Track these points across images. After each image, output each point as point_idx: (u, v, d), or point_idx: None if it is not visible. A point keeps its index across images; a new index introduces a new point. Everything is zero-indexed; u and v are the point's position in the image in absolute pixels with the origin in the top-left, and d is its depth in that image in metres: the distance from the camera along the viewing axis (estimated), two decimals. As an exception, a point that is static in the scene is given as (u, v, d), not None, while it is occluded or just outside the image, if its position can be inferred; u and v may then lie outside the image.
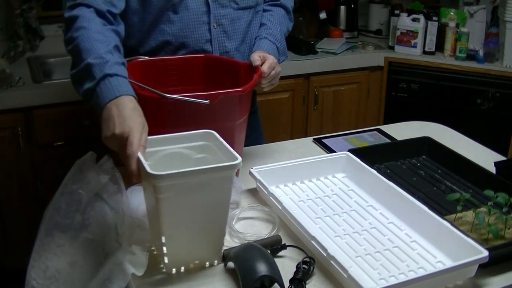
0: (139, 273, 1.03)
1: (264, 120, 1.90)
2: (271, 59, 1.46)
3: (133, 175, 1.04)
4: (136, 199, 1.19)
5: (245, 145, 1.61)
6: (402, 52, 2.93)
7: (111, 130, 1.08)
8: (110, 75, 1.15)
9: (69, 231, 1.14)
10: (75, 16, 1.29)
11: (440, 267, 1.11)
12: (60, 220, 1.14)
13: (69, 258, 1.11)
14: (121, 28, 1.38)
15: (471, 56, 2.85)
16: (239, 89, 1.31)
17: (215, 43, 1.55)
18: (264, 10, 1.68)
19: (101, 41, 1.22)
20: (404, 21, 2.90)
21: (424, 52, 2.92)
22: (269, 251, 1.13)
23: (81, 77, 1.19)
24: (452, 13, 2.92)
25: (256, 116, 1.82)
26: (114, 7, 1.38)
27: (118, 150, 1.08)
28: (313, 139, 1.76)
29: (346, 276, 1.04)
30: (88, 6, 1.33)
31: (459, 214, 1.26)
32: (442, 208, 1.35)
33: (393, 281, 1.05)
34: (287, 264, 1.14)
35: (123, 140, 1.06)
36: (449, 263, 1.13)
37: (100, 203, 1.15)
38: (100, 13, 1.33)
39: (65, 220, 1.14)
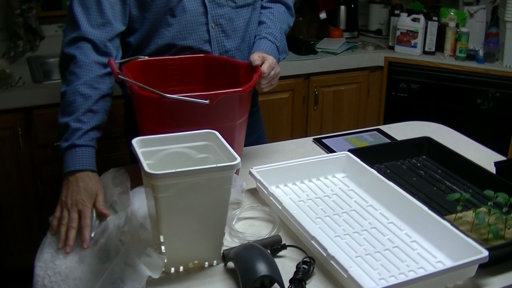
0: (156, 275, 1.04)
1: (264, 120, 1.90)
2: (270, 59, 1.46)
3: (86, 242, 1.15)
4: (139, 200, 1.20)
5: (247, 145, 1.61)
6: (402, 52, 2.93)
7: (67, 197, 1.22)
8: (78, 146, 1.28)
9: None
10: (72, 55, 1.36)
11: (440, 267, 1.11)
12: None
13: (76, 256, 1.12)
14: (120, 53, 1.45)
15: (471, 56, 2.85)
16: (239, 89, 1.31)
17: (214, 43, 1.55)
18: (264, 7, 1.67)
19: (85, 96, 1.32)
20: (404, 21, 2.90)
21: (424, 52, 2.92)
22: (269, 251, 1.13)
23: (59, 131, 1.32)
24: (452, 13, 2.92)
25: (258, 116, 1.82)
26: (114, 30, 1.41)
27: (73, 215, 1.19)
28: (313, 139, 1.76)
29: (346, 276, 1.04)
30: (88, 40, 1.37)
31: (459, 214, 1.26)
32: (442, 208, 1.35)
33: (393, 281, 1.05)
34: (287, 264, 1.14)
35: (77, 209, 1.20)
36: (449, 263, 1.13)
37: (109, 208, 1.22)
38: (98, 48, 1.38)
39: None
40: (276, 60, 1.52)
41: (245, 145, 1.54)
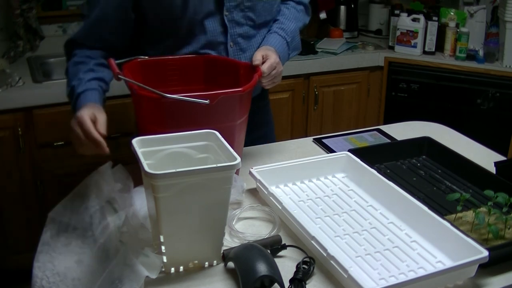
0: (153, 276, 1.04)
1: (264, 120, 1.90)
2: (272, 59, 1.44)
3: (99, 143, 1.22)
4: (140, 200, 1.20)
5: (256, 139, 1.60)
6: (402, 52, 2.93)
7: (72, 123, 1.29)
8: (81, 93, 1.37)
9: (76, 231, 1.15)
10: (68, 43, 1.50)
11: (440, 267, 1.11)
12: (68, 221, 1.17)
13: (75, 257, 1.12)
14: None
15: (471, 56, 2.85)
16: (239, 89, 1.31)
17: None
18: (281, 3, 1.63)
19: (83, 63, 1.43)
20: (404, 21, 2.90)
21: (424, 52, 2.92)
22: (269, 251, 1.13)
23: (70, 101, 1.42)
24: (452, 13, 2.92)
25: (267, 110, 1.81)
26: (115, 51, 1.46)
27: (83, 139, 1.25)
28: (313, 139, 1.76)
29: (346, 276, 1.04)
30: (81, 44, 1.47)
31: (459, 214, 1.26)
32: (442, 208, 1.35)
33: (393, 281, 1.05)
34: (287, 264, 1.14)
35: (81, 129, 1.25)
36: (449, 263, 1.13)
37: (108, 207, 1.20)
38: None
39: (74, 221, 1.17)
40: (285, 56, 1.52)
41: (254, 139, 1.53)
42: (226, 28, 1.50)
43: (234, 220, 1.27)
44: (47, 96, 2.25)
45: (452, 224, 1.17)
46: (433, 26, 2.89)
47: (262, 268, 1.03)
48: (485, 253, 1.07)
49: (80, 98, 1.35)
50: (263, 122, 1.74)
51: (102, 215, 1.18)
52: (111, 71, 1.39)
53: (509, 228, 1.21)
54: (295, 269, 1.10)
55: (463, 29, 2.83)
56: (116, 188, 1.22)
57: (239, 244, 1.17)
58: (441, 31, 2.90)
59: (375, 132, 1.83)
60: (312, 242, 1.15)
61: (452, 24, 2.86)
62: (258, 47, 1.56)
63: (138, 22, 1.48)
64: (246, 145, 1.51)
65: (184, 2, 1.43)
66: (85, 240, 1.15)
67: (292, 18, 1.62)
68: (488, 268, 1.12)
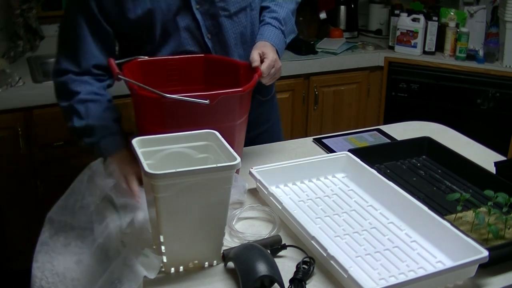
0: (152, 276, 1.04)
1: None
2: (270, 57, 1.44)
3: (137, 196, 1.26)
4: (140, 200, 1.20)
5: (260, 135, 1.59)
6: (402, 52, 2.93)
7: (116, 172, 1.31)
8: (109, 135, 1.42)
9: (75, 230, 1.15)
10: (63, 82, 1.45)
11: (440, 267, 1.11)
12: (66, 220, 1.16)
13: (75, 257, 1.12)
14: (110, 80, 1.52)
15: (471, 56, 2.85)
16: (239, 89, 1.31)
17: (215, 53, 1.54)
18: None
19: (93, 101, 1.43)
20: (404, 21, 2.90)
21: (424, 52, 2.92)
22: (269, 251, 1.13)
23: (82, 134, 1.43)
24: (452, 13, 2.92)
25: (272, 103, 1.80)
26: (96, 58, 1.45)
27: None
28: (313, 139, 1.76)
29: (346, 276, 1.04)
30: (73, 72, 1.45)
31: (459, 214, 1.26)
32: (442, 208, 1.35)
33: (393, 281, 1.05)
34: (287, 264, 1.14)
35: (125, 178, 1.30)
36: (449, 263, 1.13)
37: (107, 206, 1.18)
38: (85, 72, 1.45)
39: (71, 221, 1.17)
40: (283, 46, 1.53)
41: (259, 134, 1.52)
42: (198, 22, 1.48)
43: (234, 220, 1.27)
44: (47, 96, 2.24)
45: (452, 224, 1.17)
46: (433, 26, 2.89)
47: (262, 268, 1.03)
48: (485, 253, 1.07)
49: (109, 141, 1.40)
50: (265, 118, 1.74)
51: (101, 214, 1.18)
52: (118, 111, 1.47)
53: (509, 228, 1.21)
54: (295, 269, 1.10)
55: (463, 29, 2.83)
56: (110, 184, 1.21)
57: (239, 244, 1.17)
58: (441, 31, 2.90)
59: (375, 132, 1.83)
60: (312, 242, 1.15)
61: (452, 24, 2.86)
62: (241, 34, 1.55)
63: (115, 33, 1.49)
64: (253, 138, 1.50)
65: (150, 8, 1.42)
66: (84, 240, 1.15)
67: (282, 2, 1.60)
68: (488, 268, 1.12)
